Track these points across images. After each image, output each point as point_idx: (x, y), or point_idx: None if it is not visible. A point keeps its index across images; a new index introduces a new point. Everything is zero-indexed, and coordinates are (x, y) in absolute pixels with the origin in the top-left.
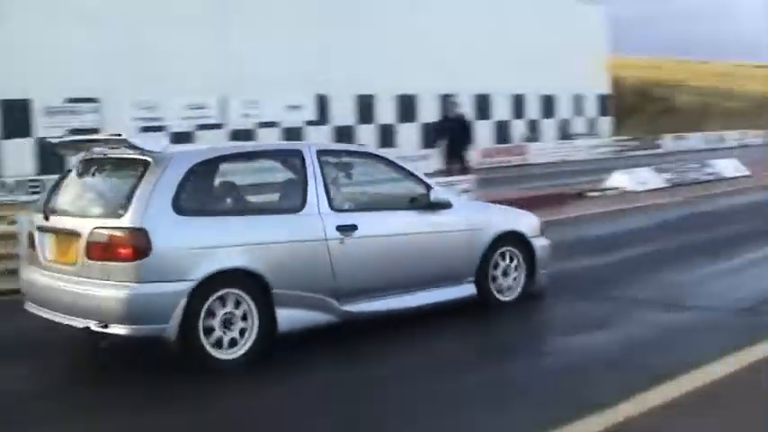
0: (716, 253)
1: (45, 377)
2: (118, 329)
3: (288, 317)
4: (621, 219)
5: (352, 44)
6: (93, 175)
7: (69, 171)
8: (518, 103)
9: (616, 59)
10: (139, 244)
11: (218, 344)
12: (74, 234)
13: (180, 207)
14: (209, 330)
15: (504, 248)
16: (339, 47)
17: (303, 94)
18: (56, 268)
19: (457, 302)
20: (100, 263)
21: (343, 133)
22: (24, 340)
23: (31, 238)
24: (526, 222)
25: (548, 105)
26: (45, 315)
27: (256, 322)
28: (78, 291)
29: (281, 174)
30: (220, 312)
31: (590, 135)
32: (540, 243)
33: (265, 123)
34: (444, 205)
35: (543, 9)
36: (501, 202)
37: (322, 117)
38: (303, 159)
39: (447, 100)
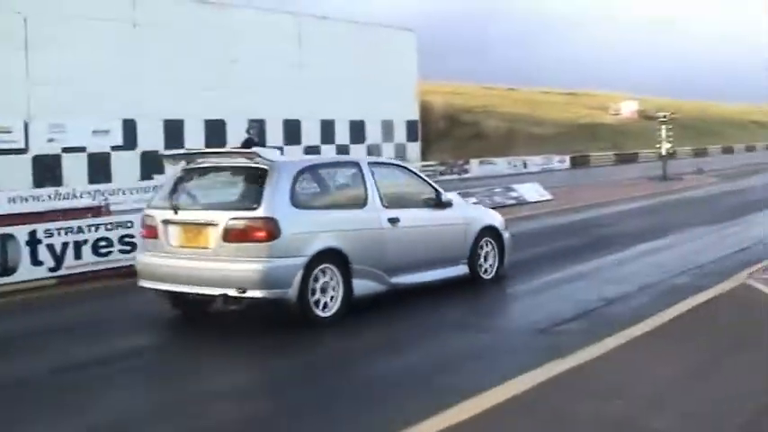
0: (514, 276)
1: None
2: (254, 293)
3: (359, 285)
4: None
5: (162, 69)
6: (212, 179)
7: (180, 177)
8: (327, 129)
9: (425, 86)
10: (272, 229)
11: (317, 305)
12: (208, 224)
13: (294, 202)
14: (313, 294)
15: (485, 238)
16: (149, 71)
17: (110, 118)
18: (184, 252)
19: (455, 279)
20: (235, 245)
21: (148, 158)
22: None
23: (152, 230)
24: (498, 219)
25: (357, 130)
26: (170, 288)
27: (341, 289)
28: (215, 267)
29: (348, 179)
30: (321, 281)
31: (399, 160)
32: (506, 235)
33: (71, 148)
34: (448, 204)
35: (354, 35)
36: None
37: (129, 142)
38: (361, 169)
39: (250, 124)
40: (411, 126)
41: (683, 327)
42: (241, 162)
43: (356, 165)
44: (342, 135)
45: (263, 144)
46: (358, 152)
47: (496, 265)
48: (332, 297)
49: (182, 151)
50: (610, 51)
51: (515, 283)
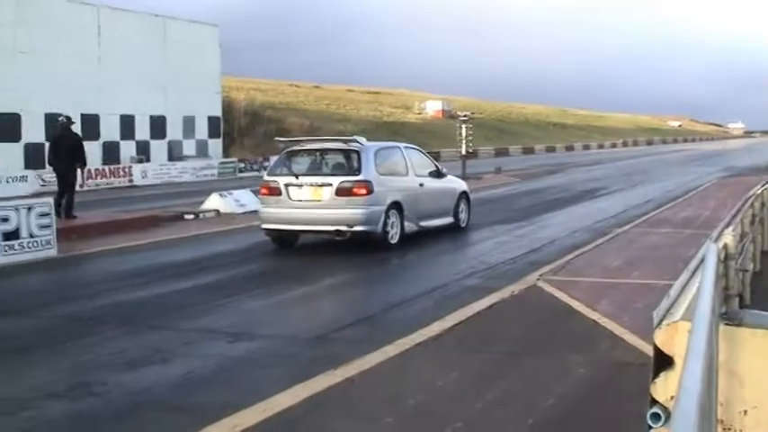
0: (296, 277)
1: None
2: (359, 228)
3: (407, 225)
4: (212, 242)
5: None
6: (321, 156)
7: (288, 154)
8: (127, 124)
9: (230, 81)
10: (369, 187)
11: (389, 235)
12: (324, 185)
13: (378, 171)
14: (387, 229)
15: (462, 199)
16: None
17: None
18: (303, 204)
19: (446, 226)
20: (345, 198)
21: None
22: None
23: (276, 190)
24: (467, 186)
25: (158, 126)
26: (291, 228)
27: (398, 227)
28: (330, 212)
29: (396, 157)
30: (390, 221)
31: (200, 157)
32: (471, 197)
33: None
34: (444, 176)
35: (156, 28)
36: (92, 225)
37: None
38: (401, 150)
39: (57, 120)
40: (213, 122)
41: (468, 332)
42: (339, 145)
43: (398, 148)
44: (142, 130)
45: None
46: (159, 148)
47: (468, 218)
48: (395, 231)
49: (293, 138)
50: (418, 52)
51: (288, 290)
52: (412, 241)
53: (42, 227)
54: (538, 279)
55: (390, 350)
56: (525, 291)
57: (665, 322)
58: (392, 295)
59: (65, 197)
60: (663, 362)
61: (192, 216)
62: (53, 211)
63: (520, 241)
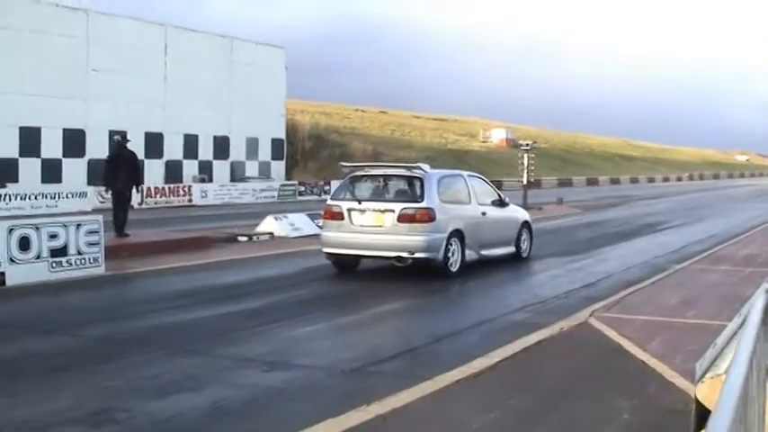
0: (336, 306)
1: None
2: (419, 255)
3: (468, 254)
4: (262, 265)
5: (15, 74)
6: (384, 182)
7: (352, 179)
8: (190, 143)
9: (295, 104)
10: (431, 215)
11: (449, 263)
12: (386, 210)
13: (440, 198)
14: (448, 257)
15: (524, 229)
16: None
17: None
18: (365, 230)
19: (507, 256)
20: (407, 225)
21: (2, 167)
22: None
23: (338, 215)
24: (529, 216)
25: (221, 147)
26: (352, 252)
27: (459, 254)
28: (392, 238)
29: (459, 185)
30: (451, 249)
31: (263, 178)
32: (533, 227)
33: None
34: (507, 204)
35: (222, 49)
36: (143, 244)
37: None
38: (464, 179)
39: (114, 137)
40: (276, 144)
41: (511, 370)
42: (403, 172)
43: (461, 176)
44: (205, 150)
45: (132, 160)
46: (221, 168)
47: (530, 248)
48: (456, 259)
49: (358, 164)
50: (485, 79)
51: (334, 317)
52: (472, 270)
53: (90, 244)
54: (590, 315)
55: (428, 387)
56: (575, 328)
57: (708, 375)
58: (439, 327)
59: (120, 215)
60: (704, 418)
61: (245, 238)
62: (102, 229)
63: (575, 275)
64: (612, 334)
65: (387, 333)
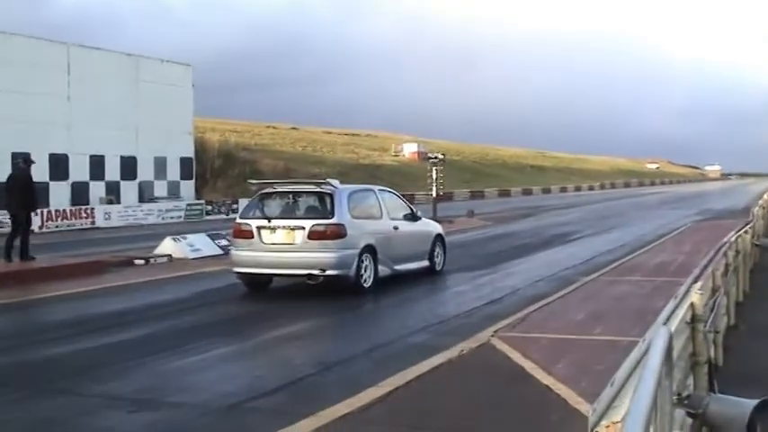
0: (226, 332)
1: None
2: (331, 272)
3: (381, 269)
4: (155, 290)
5: None
6: (293, 199)
7: (261, 197)
8: (97, 165)
9: (205, 122)
10: (342, 231)
11: (362, 279)
12: (296, 228)
13: (351, 214)
14: (361, 273)
15: (437, 242)
16: None
17: None
18: (275, 248)
19: (422, 270)
20: (317, 241)
21: None
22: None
23: (248, 233)
24: (441, 229)
25: (129, 167)
26: (263, 271)
27: (372, 270)
28: (303, 256)
29: (370, 200)
30: (363, 264)
31: (172, 198)
32: (446, 240)
33: None
34: (419, 218)
35: (127, 67)
36: (32, 271)
37: None
38: (375, 193)
39: (17, 160)
40: (185, 163)
41: (402, 401)
42: (312, 188)
43: (372, 191)
44: (112, 171)
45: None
46: (129, 189)
47: (444, 261)
48: (368, 275)
49: (266, 181)
50: (398, 94)
51: (219, 345)
52: (384, 286)
53: None
54: (492, 335)
55: (308, 424)
56: (476, 350)
57: (603, 423)
58: (330, 354)
59: (18, 239)
60: None
61: (142, 261)
62: None
63: (480, 291)
64: (515, 355)
65: (273, 362)
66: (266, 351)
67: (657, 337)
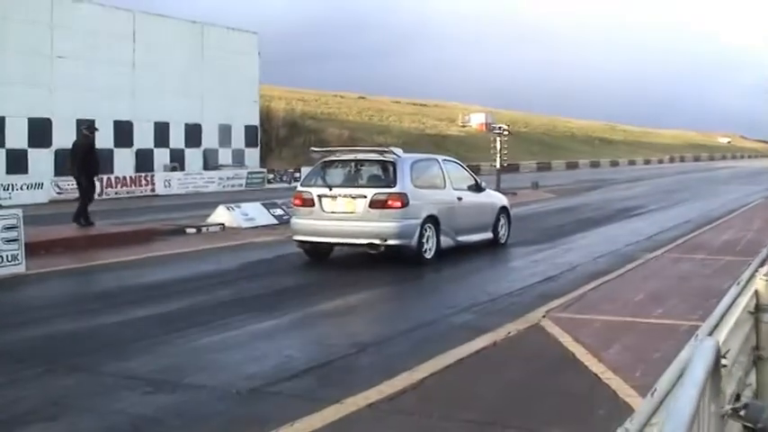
0: (263, 307)
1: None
2: (392, 242)
3: (443, 241)
4: (203, 259)
5: None
6: (355, 167)
7: (323, 165)
8: (161, 132)
9: (272, 90)
10: (404, 200)
11: (424, 250)
12: (358, 196)
13: (414, 183)
14: (423, 243)
15: (502, 214)
16: None
17: None
18: (336, 216)
19: (485, 242)
20: (379, 211)
21: None
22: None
23: (309, 202)
24: (507, 201)
25: (193, 134)
26: (323, 240)
27: (434, 241)
28: (364, 225)
29: (434, 169)
30: (425, 235)
31: (236, 166)
32: (511, 212)
33: None
34: (483, 189)
35: (192, 34)
36: (80, 238)
37: None
38: (439, 163)
39: (81, 127)
40: (250, 131)
41: (437, 389)
42: (375, 156)
43: (436, 160)
44: (177, 138)
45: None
46: (194, 156)
47: (508, 234)
48: (430, 246)
49: (328, 149)
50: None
51: (253, 321)
52: (443, 258)
53: (8, 241)
54: (543, 316)
55: (331, 413)
56: (524, 332)
57: None
58: (367, 333)
59: (80, 205)
60: None
61: (194, 230)
62: (21, 224)
63: (536, 267)
64: (566, 339)
65: (307, 341)
66: (302, 328)
67: (701, 350)
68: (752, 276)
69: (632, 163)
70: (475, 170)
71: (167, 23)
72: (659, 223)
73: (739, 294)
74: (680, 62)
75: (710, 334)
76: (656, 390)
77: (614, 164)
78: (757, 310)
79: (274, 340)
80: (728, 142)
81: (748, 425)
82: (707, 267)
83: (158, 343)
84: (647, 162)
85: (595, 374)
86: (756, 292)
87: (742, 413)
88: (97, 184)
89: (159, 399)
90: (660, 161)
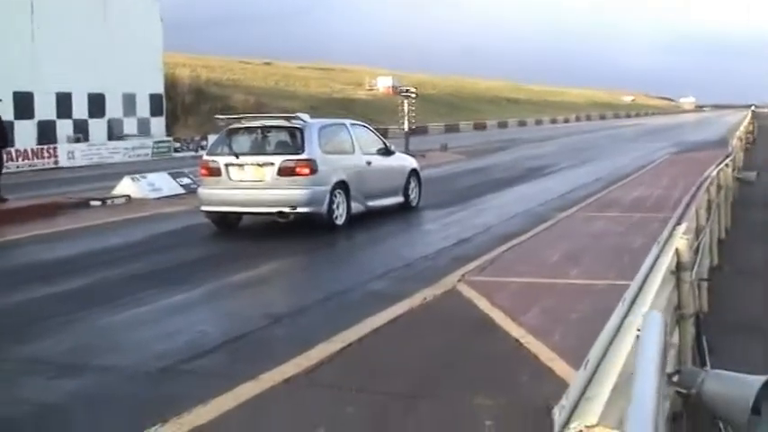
0: (175, 280)
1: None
2: (302, 209)
3: (354, 206)
4: (109, 233)
5: None
6: (262, 134)
7: (229, 132)
8: (64, 103)
9: (175, 58)
10: (312, 167)
11: (334, 216)
12: (266, 164)
13: (322, 149)
14: (333, 209)
15: (412, 177)
16: None
17: None
18: (244, 185)
19: (396, 206)
20: (287, 178)
21: None
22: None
23: (216, 171)
24: (416, 163)
25: (97, 104)
26: (232, 210)
27: (344, 207)
28: (273, 193)
29: (342, 134)
30: (335, 201)
31: (142, 135)
32: (421, 174)
33: None
34: (393, 153)
35: (95, 3)
36: None
37: None
38: (347, 128)
39: None
40: (155, 100)
41: (354, 360)
42: (282, 123)
43: (344, 125)
44: (80, 109)
45: None
46: (98, 127)
47: (419, 197)
48: (341, 212)
49: (234, 116)
50: (373, 28)
51: (163, 296)
52: (355, 223)
53: None
54: (459, 280)
55: (246, 391)
56: (440, 297)
57: (573, 426)
58: (281, 304)
59: None
60: None
61: (98, 203)
62: None
63: (449, 229)
64: (483, 303)
65: (219, 314)
66: (214, 301)
67: (651, 326)
68: (670, 236)
69: (539, 123)
70: (383, 133)
71: None
72: (570, 182)
73: (660, 254)
74: (582, 22)
75: (636, 296)
76: (588, 361)
77: (522, 124)
78: (678, 269)
79: (186, 315)
80: (632, 100)
81: (682, 391)
82: (619, 225)
83: (64, 323)
84: (554, 121)
85: (515, 339)
86: (677, 251)
87: (675, 379)
88: (4, 156)
89: (65, 384)
90: (566, 120)
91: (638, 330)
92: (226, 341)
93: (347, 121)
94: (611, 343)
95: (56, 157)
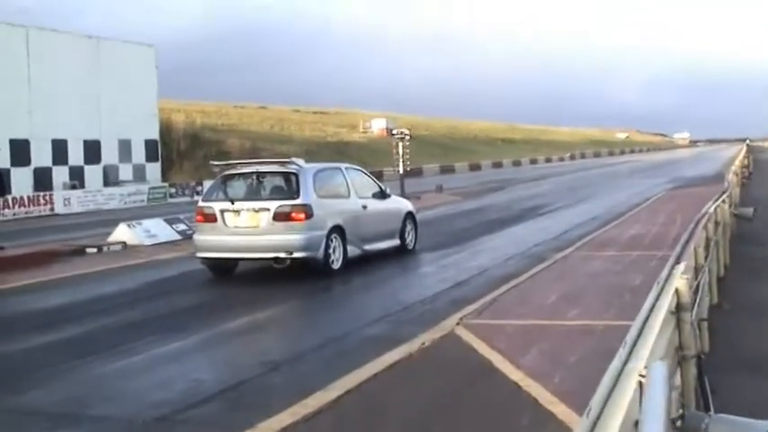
0: (169, 327)
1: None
2: (298, 255)
3: (350, 250)
4: (104, 281)
5: None
6: (257, 180)
7: (224, 178)
8: (60, 149)
9: (171, 104)
10: (308, 212)
11: (331, 261)
12: (261, 210)
13: (317, 193)
14: (329, 254)
15: (408, 220)
16: None
17: None
18: (240, 231)
19: (393, 249)
20: (283, 223)
21: None
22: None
23: (211, 217)
24: (412, 206)
25: (92, 151)
26: (228, 256)
27: (341, 252)
28: (268, 238)
29: (337, 178)
30: (332, 246)
31: (138, 181)
32: (417, 217)
33: None
34: (389, 196)
35: (87, 49)
36: None
37: None
38: (342, 172)
39: None
40: (150, 145)
41: (354, 408)
42: (276, 168)
43: (339, 169)
44: (75, 155)
45: None
46: (93, 173)
47: (415, 239)
48: (337, 257)
49: (229, 162)
50: (367, 72)
51: (159, 344)
52: (352, 267)
53: None
54: (457, 323)
55: None
56: (439, 341)
57: None
58: (278, 351)
59: None
60: None
61: (94, 250)
62: None
63: (445, 272)
64: (482, 347)
65: (215, 362)
66: (210, 349)
67: (655, 377)
68: (669, 275)
69: (534, 162)
70: (378, 176)
71: (62, 39)
72: (566, 221)
73: (660, 294)
74: (575, 63)
75: (637, 340)
76: (590, 409)
77: (516, 163)
78: (678, 309)
79: (181, 363)
80: (626, 137)
81: None
82: (617, 264)
83: (59, 372)
84: (549, 160)
85: (514, 382)
86: (677, 291)
87: (679, 424)
88: (1, 203)
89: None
90: (561, 159)
91: (641, 377)
92: (222, 390)
93: (342, 165)
94: (613, 389)
95: (52, 204)
